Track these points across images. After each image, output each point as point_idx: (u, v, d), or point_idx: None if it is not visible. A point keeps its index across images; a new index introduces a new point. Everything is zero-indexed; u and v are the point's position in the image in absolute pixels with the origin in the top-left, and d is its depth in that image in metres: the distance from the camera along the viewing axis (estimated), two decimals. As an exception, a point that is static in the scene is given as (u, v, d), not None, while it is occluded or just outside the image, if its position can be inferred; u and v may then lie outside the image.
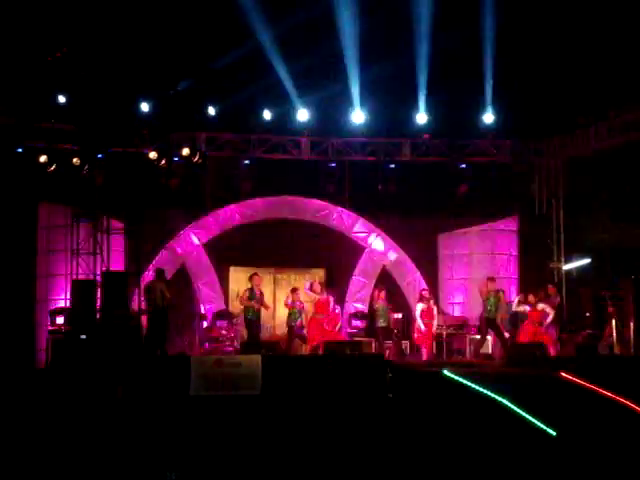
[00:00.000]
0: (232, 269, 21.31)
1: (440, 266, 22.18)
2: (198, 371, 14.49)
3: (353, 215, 21.75)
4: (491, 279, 18.95)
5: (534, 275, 20.95)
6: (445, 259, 22.19)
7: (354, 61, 18.81)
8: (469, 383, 13.79)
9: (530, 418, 12.56)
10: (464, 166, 21.11)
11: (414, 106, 20.05)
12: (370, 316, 20.08)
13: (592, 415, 12.81)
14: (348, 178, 21.42)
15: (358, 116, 20.06)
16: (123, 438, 13.00)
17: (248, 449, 12.76)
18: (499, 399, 13.13)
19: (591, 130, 19.91)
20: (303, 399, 14.17)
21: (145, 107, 19.29)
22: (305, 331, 18.54)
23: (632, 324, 17.59)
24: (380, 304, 19.27)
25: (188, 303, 20.75)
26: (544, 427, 12.33)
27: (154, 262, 19.98)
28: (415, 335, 18.82)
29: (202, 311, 20.71)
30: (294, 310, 18.52)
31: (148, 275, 19.12)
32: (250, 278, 18.55)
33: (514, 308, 18.58)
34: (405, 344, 19.75)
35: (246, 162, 20.57)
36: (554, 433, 12.20)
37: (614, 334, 18.07)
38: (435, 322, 18.89)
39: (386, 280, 21.26)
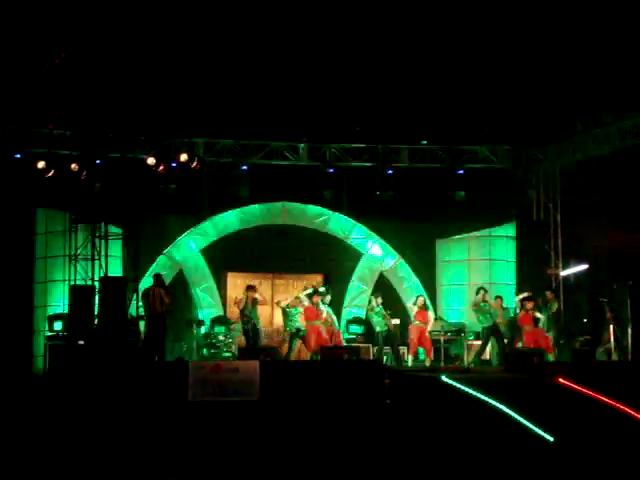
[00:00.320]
0: (230, 275, 21.33)
1: (438, 272, 22.19)
2: (196, 377, 14.51)
3: (351, 221, 21.76)
4: (483, 289, 19.03)
5: (532, 281, 20.94)
6: (443, 265, 22.20)
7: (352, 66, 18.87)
8: (467, 389, 13.80)
9: (528, 424, 12.57)
10: (462, 172, 21.13)
11: (411, 112, 20.07)
12: (368, 321, 20.07)
13: (589, 421, 12.83)
14: (346, 184, 21.44)
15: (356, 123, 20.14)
16: (121, 444, 13.00)
17: (246, 455, 12.77)
18: (497, 405, 13.14)
19: (588, 136, 19.95)
20: (301, 404, 14.18)
21: (143, 113, 19.31)
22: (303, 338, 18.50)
23: (630, 330, 17.61)
24: (378, 309, 19.24)
25: (186, 309, 20.75)
26: (541, 433, 12.34)
27: (152, 268, 19.98)
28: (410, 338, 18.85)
29: (200, 317, 20.71)
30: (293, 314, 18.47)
31: (146, 281, 19.10)
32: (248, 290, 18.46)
33: (517, 298, 18.67)
34: (403, 350, 19.73)
35: (244, 168, 20.56)
36: (551, 439, 12.21)
37: (612, 340, 18.08)
38: (428, 327, 18.96)
39: (384, 286, 21.27)
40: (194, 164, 19.14)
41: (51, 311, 19.34)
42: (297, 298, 18.79)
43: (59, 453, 12.65)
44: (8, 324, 18.58)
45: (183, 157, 19.10)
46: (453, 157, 21.22)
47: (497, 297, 19.47)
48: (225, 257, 21.22)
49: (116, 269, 18.83)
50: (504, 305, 19.72)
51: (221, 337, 19.59)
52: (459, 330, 20.25)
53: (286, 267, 21.43)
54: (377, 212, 21.53)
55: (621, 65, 17.91)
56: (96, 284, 17.71)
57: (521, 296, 18.84)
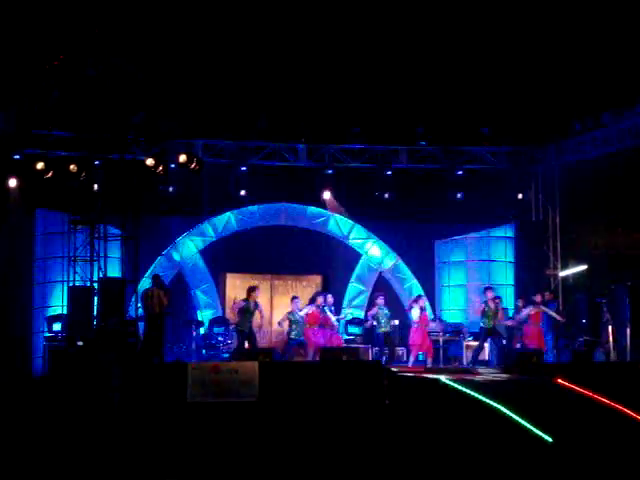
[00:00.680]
0: (229, 276, 21.33)
1: (437, 273, 22.21)
2: (195, 378, 14.49)
3: (350, 222, 21.78)
4: (489, 288, 18.97)
5: (531, 282, 20.96)
6: (442, 266, 22.22)
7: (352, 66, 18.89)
8: (466, 390, 13.80)
9: (527, 425, 12.57)
10: (461, 173, 21.15)
11: (411, 113, 20.10)
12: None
13: (588, 422, 12.83)
14: (345, 185, 21.45)
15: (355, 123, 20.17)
16: (120, 445, 13.01)
17: (245, 456, 12.77)
18: (496, 406, 13.14)
19: (587, 137, 19.95)
20: (300, 406, 14.18)
21: (142, 114, 19.33)
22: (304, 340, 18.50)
23: (628, 330, 17.63)
24: (380, 310, 19.13)
25: (185, 310, 20.76)
26: (541, 434, 12.34)
27: (151, 269, 19.99)
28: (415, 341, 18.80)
29: (199, 318, 20.72)
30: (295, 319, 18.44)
31: (145, 282, 19.11)
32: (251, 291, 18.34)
33: (523, 313, 18.63)
34: (402, 351, 19.73)
35: (243, 169, 20.57)
36: (550, 440, 12.21)
37: (610, 341, 18.10)
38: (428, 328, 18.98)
39: (383, 287, 21.28)
40: (193, 165, 19.13)
41: (50, 312, 19.36)
42: (294, 299, 18.72)
43: (58, 454, 12.64)
44: (7, 325, 18.58)
45: (182, 158, 19.08)
46: (452, 158, 21.22)
47: (496, 297, 19.44)
48: (224, 258, 21.24)
49: (115, 270, 18.84)
50: (502, 306, 19.69)
51: (220, 338, 19.61)
52: (458, 331, 20.28)
53: (285, 268, 21.44)
54: (376, 213, 21.54)
55: (620, 65, 17.92)
56: (95, 285, 17.72)
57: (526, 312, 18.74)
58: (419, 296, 19.44)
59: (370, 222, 21.79)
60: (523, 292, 20.38)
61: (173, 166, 19.28)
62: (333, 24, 18.17)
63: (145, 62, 18.08)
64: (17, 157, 18.94)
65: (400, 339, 19.87)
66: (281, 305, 20.71)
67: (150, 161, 18.89)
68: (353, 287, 21.72)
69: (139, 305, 17.85)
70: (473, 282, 21.07)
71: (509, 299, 20.71)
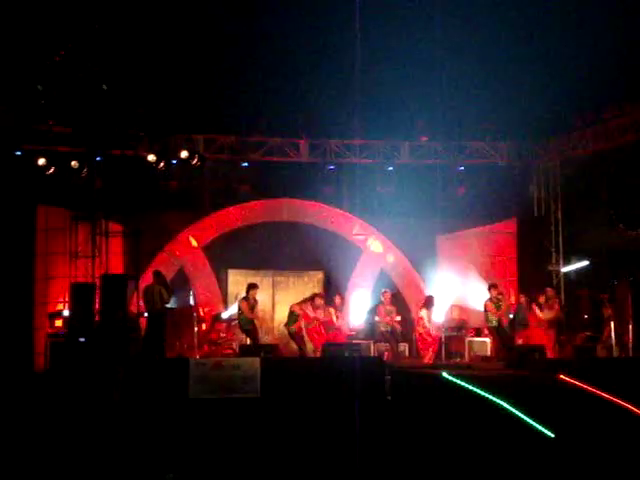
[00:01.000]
0: (231, 272, 21.33)
1: (438, 268, 22.18)
2: (197, 374, 14.49)
3: (351, 217, 21.75)
4: (494, 285, 18.92)
5: (533, 277, 20.94)
6: (444, 261, 22.20)
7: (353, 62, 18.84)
8: (468, 385, 13.79)
9: (529, 420, 12.57)
10: (462, 168, 21.13)
11: (412, 108, 20.09)
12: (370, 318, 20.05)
13: (591, 417, 12.82)
14: (346, 180, 21.44)
15: (356, 118, 20.14)
16: (122, 441, 13.01)
17: (247, 452, 12.76)
18: (498, 401, 13.13)
19: (589, 132, 19.94)
20: (302, 401, 14.18)
21: (143, 109, 19.32)
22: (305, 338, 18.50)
23: (630, 326, 17.60)
24: (382, 306, 19.11)
25: (187, 306, 20.73)
26: (543, 429, 12.34)
27: (153, 265, 19.98)
28: (424, 339, 18.77)
29: (201, 314, 20.70)
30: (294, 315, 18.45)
31: (147, 278, 19.11)
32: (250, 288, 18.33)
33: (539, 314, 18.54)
34: (404, 346, 19.73)
35: (244, 165, 20.57)
36: (553, 435, 12.21)
37: (613, 336, 18.08)
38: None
39: (384, 283, 21.26)
40: (194, 161, 19.14)
41: (52, 308, 19.35)
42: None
43: (60, 450, 12.65)
44: (9, 321, 18.57)
45: (184, 154, 19.09)
46: (454, 153, 21.21)
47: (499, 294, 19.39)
48: (226, 254, 21.24)
49: (117, 266, 18.84)
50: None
51: (222, 334, 19.60)
52: (460, 326, 20.26)
53: (286, 264, 21.43)
54: (378, 208, 21.54)
55: (621, 60, 17.90)
56: (97, 281, 17.72)
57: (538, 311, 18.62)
58: (429, 297, 19.36)
59: (372, 217, 21.76)
60: (525, 288, 20.32)
61: (174, 162, 19.28)
62: (333, 21, 18.15)
63: (146, 57, 18.07)
64: (18, 153, 18.93)
65: (402, 335, 19.82)
66: (282, 301, 20.73)
67: (151, 157, 18.90)
68: (355, 283, 21.68)
69: (141, 301, 17.83)
70: (475, 278, 21.00)
71: (511, 295, 20.67)
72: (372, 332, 19.61)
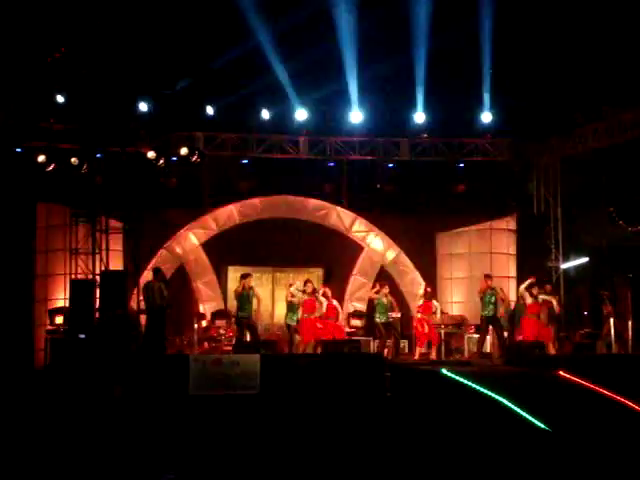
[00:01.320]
0: (231, 268, 21.32)
1: (438, 265, 22.21)
2: (197, 370, 14.52)
3: (352, 214, 21.76)
4: (488, 276, 18.96)
5: (532, 274, 20.91)
6: (443, 258, 22.22)
7: (352, 60, 18.84)
8: (467, 382, 13.80)
9: (528, 417, 12.57)
10: (462, 165, 21.14)
11: (412, 105, 20.09)
12: (369, 314, 20.03)
13: (590, 414, 12.82)
14: (346, 177, 21.45)
15: (356, 115, 20.14)
16: (122, 437, 13.02)
17: (247, 448, 12.77)
18: (497, 398, 13.14)
19: (589, 129, 19.94)
20: (302, 398, 14.19)
21: (144, 107, 19.34)
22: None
23: (630, 323, 17.62)
24: (381, 298, 19.00)
25: (187, 302, 20.77)
26: (542, 425, 12.34)
27: (153, 261, 20.00)
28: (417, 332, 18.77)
29: (201, 310, 20.74)
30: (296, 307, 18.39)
31: (147, 274, 19.12)
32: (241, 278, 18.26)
33: (522, 287, 18.44)
34: (403, 343, 19.74)
35: (244, 161, 20.58)
36: (552, 431, 12.21)
37: (612, 333, 18.10)
38: (435, 318, 18.96)
39: (384, 279, 21.26)
40: (194, 158, 19.16)
41: (52, 305, 19.38)
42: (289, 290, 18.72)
43: (60, 446, 12.66)
44: (9, 318, 18.60)
45: (183, 151, 19.12)
46: (453, 150, 21.23)
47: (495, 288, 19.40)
48: (226, 251, 21.24)
49: (117, 263, 18.85)
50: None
51: (222, 331, 19.62)
52: (459, 323, 20.27)
53: (287, 261, 21.44)
54: (378, 205, 21.57)
55: (622, 58, 17.89)
56: (97, 278, 17.73)
57: (527, 282, 18.52)
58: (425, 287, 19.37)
59: (372, 214, 21.77)
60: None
61: (174, 159, 19.28)
62: (334, 16, 18.14)
63: (147, 55, 18.07)
64: (19, 150, 18.94)
65: (401, 331, 19.83)
66: (282, 297, 20.70)
67: (151, 154, 18.93)
68: (355, 279, 21.70)
69: (141, 298, 17.85)
70: (475, 274, 21.00)
71: (511, 291, 20.67)
72: (371, 329, 19.59)
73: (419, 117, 20.28)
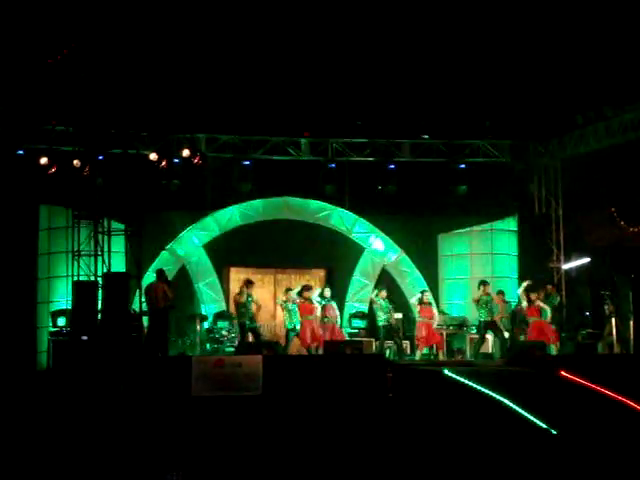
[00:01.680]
0: (233, 270, 21.35)
1: (440, 266, 22.22)
2: (199, 372, 14.53)
3: (353, 215, 21.78)
4: (484, 282, 18.98)
5: (534, 275, 20.95)
6: (445, 259, 22.23)
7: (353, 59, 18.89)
8: (469, 382, 13.83)
9: (530, 417, 12.60)
10: (464, 166, 21.16)
11: (413, 106, 20.11)
12: (371, 315, 20.05)
13: (592, 414, 12.85)
14: (348, 179, 21.47)
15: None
16: (125, 439, 13.05)
17: (249, 449, 12.80)
18: (499, 398, 13.17)
19: (590, 130, 19.96)
20: (304, 399, 14.21)
21: (145, 108, 19.36)
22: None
23: (631, 323, 17.63)
24: (381, 302, 19.06)
25: (189, 304, 20.79)
26: (544, 426, 12.37)
27: (155, 263, 20.02)
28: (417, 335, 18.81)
29: (203, 312, 20.75)
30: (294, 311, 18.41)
31: (149, 276, 19.14)
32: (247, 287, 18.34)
33: (520, 290, 18.54)
34: (405, 344, 19.75)
35: (246, 163, 20.60)
36: (554, 432, 12.24)
37: (614, 333, 18.11)
38: (435, 322, 18.96)
39: (386, 280, 21.28)
40: (196, 159, 19.17)
41: (54, 307, 19.40)
42: (288, 292, 18.70)
43: (63, 448, 12.69)
44: (11, 320, 18.63)
45: (185, 152, 19.13)
46: (455, 151, 21.26)
47: (499, 291, 19.42)
48: (228, 252, 21.25)
49: (119, 265, 18.86)
50: (506, 299, 19.70)
51: (224, 332, 19.65)
52: (461, 324, 20.29)
53: (288, 262, 21.46)
54: (379, 207, 21.55)
55: (622, 58, 17.91)
56: (99, 280, 17.75)
57: (524, 285, 18.66)
58: (422, 292, 19.43)
59: (373, 216, 21.78)
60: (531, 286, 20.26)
61: (176, 160, 19.31)
62: (334, 18, 18.15)
63: (148, 56, 18.09)
64: (20, 152, 18.97)
65: (403, 332, 19.84)
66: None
67: (153, 156, 18.94)
68: (356, 281, 21.71)
69: (143, 300, 17.87)
70: (476, 275, 21.02)
71: (513, 292, 20.69)
72: (373, 330, 19.62)
73: (420, 118, 20.34)
